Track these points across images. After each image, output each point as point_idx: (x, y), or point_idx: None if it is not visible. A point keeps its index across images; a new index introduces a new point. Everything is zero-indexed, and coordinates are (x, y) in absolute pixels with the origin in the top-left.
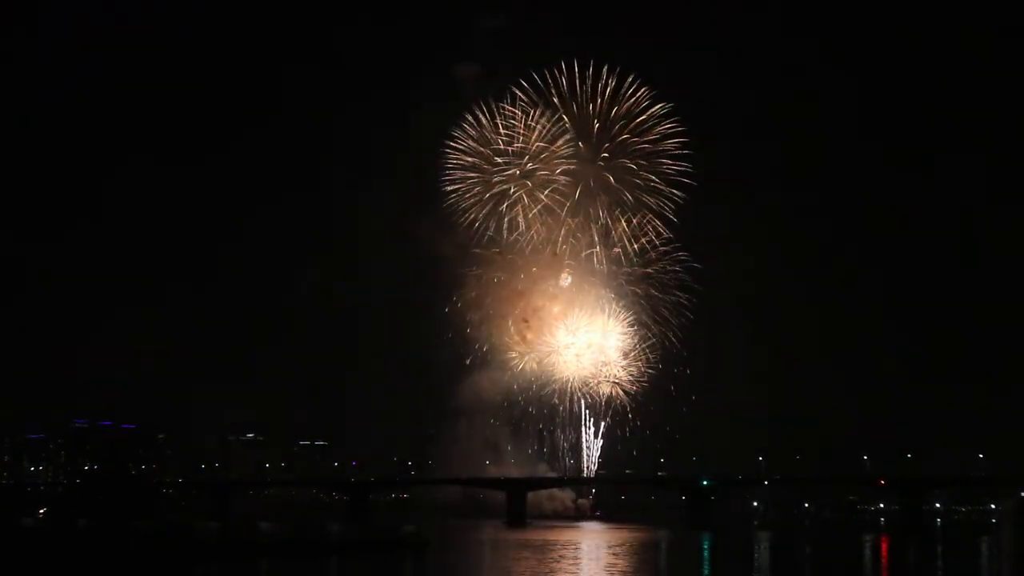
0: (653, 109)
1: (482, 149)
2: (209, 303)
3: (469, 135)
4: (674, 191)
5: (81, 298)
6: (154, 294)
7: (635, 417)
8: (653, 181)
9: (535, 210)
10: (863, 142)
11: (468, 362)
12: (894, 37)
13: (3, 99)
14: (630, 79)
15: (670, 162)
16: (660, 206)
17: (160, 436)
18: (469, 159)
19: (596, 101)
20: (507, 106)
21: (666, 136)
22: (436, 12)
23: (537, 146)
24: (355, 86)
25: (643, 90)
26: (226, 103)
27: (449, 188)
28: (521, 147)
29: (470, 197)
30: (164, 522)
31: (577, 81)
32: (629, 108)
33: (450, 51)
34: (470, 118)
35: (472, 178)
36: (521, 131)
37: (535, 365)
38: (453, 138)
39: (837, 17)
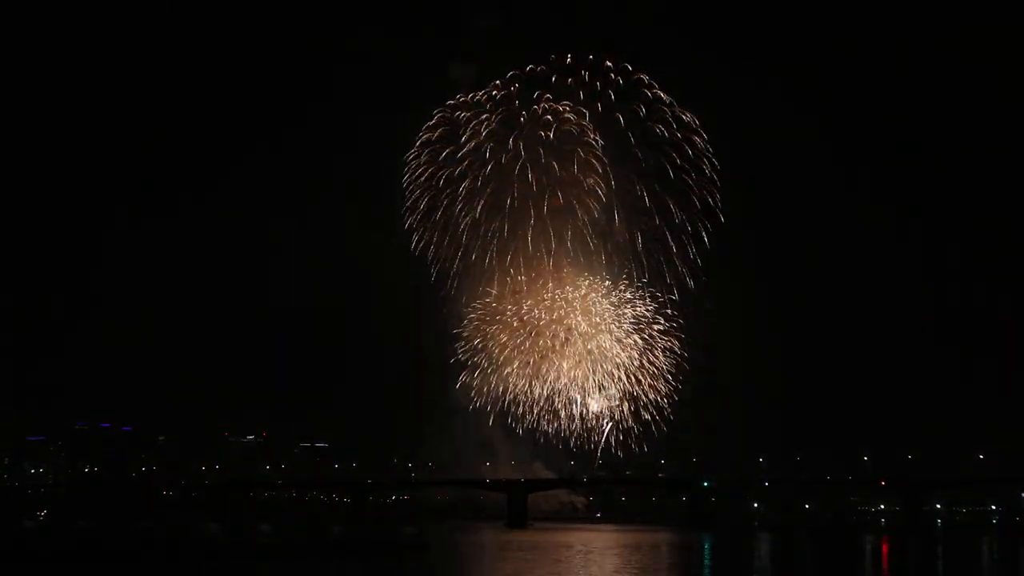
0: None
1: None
2: (208, 305)
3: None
4: (700, 220)
5: (80, 299)
6: (154, 296)
7: (636, 419)
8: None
9: (531, 224)
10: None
11: (465, 362)
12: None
13: None
14: (645, 80)
15: (694, 186)
16: (680, 241)
17: (160, 438)
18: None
19: (598, 107)
20: (500, 110)
21: (685, 151)
22: (431, 11)
23: (533, 154)
24: (351, 86)
25: (654, 91)
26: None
27: (426, 196)
28: (512, 156)
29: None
30: (164, 524)
31: (572, 84)
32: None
33: (446, 52)
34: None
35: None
36: (514, 139)
37: (534, 364)
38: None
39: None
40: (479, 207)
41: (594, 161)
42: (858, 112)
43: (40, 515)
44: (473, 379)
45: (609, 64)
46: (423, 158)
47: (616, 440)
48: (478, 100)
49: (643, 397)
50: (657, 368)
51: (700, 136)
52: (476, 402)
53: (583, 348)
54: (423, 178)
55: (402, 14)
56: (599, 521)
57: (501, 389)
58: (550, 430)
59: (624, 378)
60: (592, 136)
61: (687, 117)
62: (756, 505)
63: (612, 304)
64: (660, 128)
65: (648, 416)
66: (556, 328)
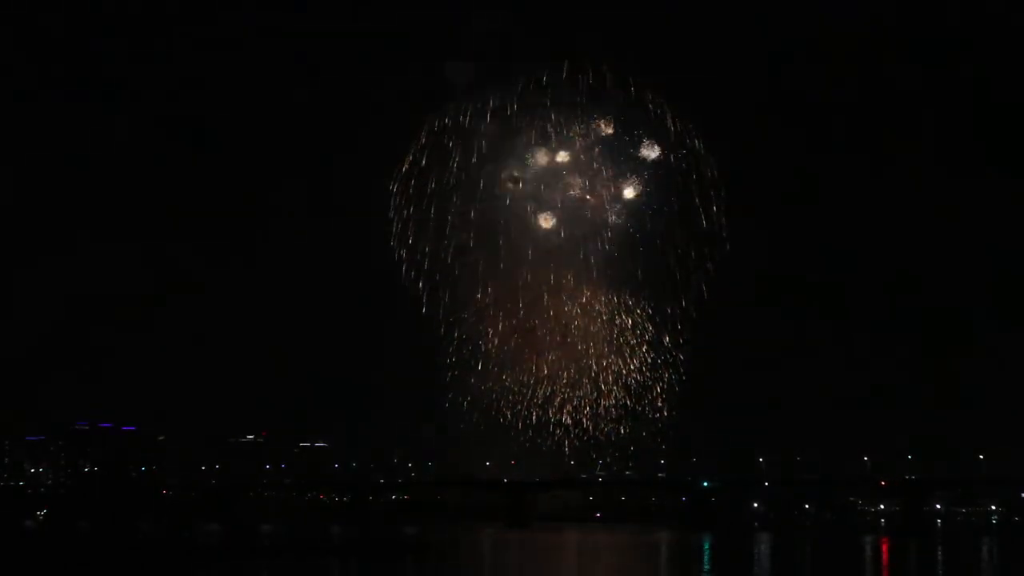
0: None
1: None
2: (209, 307)
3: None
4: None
5: (81, 300)
6: (155, 299)
7: (634, 418)
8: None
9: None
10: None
11: (466, 361)
12: None
13: None
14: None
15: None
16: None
17: (160, 438)
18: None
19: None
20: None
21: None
22: (428, 11)
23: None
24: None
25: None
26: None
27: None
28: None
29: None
30: (164, 524)
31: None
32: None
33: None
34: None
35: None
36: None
37: (535, 363)
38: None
39: None
40: (470, 236)
41: (599, 186)
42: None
43: (40, 515)
44: (468, 386)
45: (606, 69)
46: (412, 183)
47: (614, 458)
48: (468, 122)
49: (644, 415)
50: (660, 386)
51: (707, 162)
52: (474, 405)
53: (580, 357)
54: (412, 204)
55: (399, 14)
56: (599, 521)
57: (496, 396)
58: (545, 443)
59: (623, 393)
60: (594, 159)
61: (694, 142)
62: (756, 505)
63: (612, 315)
64: (666, 153)
65: (646, 433)
66: (552, 333)
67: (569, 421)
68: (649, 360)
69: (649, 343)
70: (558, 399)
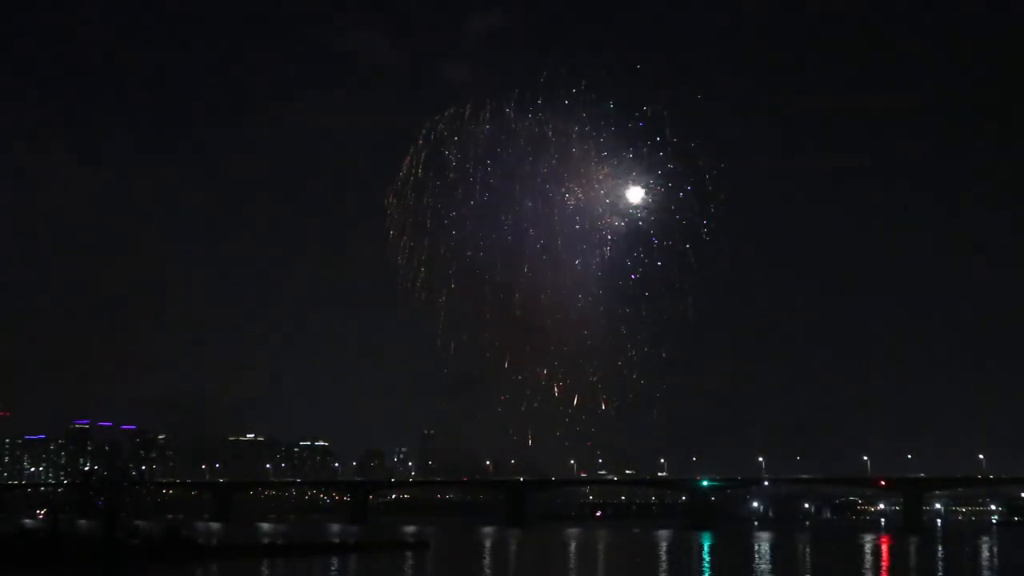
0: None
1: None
2: (211, 309)
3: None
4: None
5: (82, 300)
6: (157, 300)
7: (634, 417)
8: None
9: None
10: None
11: (465, 364)
12: None
13: None
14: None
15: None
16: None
17: (160, 437)
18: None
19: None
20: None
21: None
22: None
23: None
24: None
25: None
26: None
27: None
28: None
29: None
30: (165, 523)
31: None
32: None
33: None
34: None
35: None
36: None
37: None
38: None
39: None
40: (467, 243)
41: (600, 208)
42: None
43: (40, 514)
44: (467, 389)
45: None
46: (409, 191)
47: (614, 458)
48: (465, 127)
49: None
50: (660, 390)
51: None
52: (474, 408)
53: (579, 362)
54: (409, 212)
55: (397, 13)
56: (599, 520)
57: (495, 399)
58: (545, 444)
59: (623, 397)
60: (596, 171)
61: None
62: (756, 505)
63: (611, 321)
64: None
65: (646, 435)
66: (551, 338)
67: (566, 431)
68: (648, 369)
69: (648, 349)
70: (557, 402)
